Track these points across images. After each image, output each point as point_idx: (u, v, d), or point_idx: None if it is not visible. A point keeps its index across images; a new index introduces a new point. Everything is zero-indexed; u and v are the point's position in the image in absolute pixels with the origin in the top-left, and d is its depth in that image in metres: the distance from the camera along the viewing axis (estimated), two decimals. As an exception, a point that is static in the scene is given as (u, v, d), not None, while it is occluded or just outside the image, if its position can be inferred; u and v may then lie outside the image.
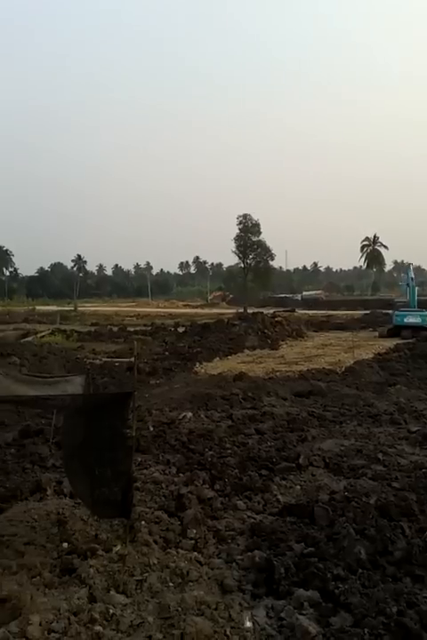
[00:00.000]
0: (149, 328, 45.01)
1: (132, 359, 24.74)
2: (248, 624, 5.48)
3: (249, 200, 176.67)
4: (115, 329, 44.94)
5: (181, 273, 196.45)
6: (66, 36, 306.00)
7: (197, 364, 25.87)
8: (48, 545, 7.06)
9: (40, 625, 5.28)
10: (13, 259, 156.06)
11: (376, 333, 40.47)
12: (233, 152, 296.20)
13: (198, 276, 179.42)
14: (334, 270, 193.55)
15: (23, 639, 5.12)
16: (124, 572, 6.23)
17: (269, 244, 77.74)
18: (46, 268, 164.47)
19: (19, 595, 5.77)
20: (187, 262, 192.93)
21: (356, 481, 9.45)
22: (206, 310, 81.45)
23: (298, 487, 9.47)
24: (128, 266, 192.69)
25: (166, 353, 30.01)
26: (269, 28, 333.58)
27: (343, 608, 5.63)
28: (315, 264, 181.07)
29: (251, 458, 10.81)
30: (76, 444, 7.32)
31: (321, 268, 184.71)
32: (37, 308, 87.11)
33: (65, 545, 7.04)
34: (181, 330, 41.39)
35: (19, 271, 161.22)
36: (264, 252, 77.00)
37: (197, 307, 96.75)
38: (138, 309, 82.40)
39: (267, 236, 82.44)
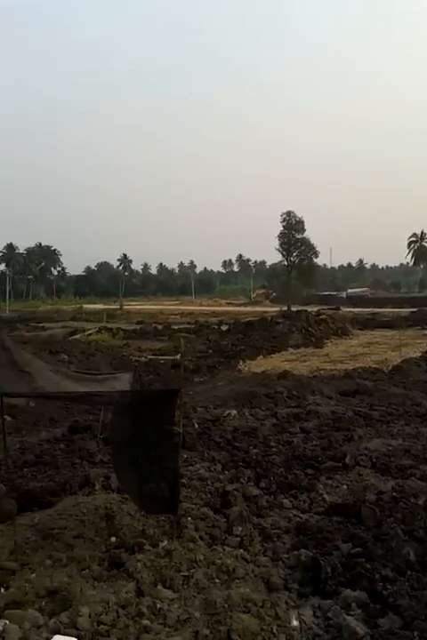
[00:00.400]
0: (193, 326, 45.33)
1: (177, 357, 24.98)
2: (295, 623, 5.46)
3: (293, 197, 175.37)
4: (159, 327, 45.41)
5: (224, 271, 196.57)
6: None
7: (241, 362, 25.89)
8: (96, 539, 7.19)
9: (89, 617, 5.39)
10: (61, 258, 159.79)
11: (425, 331, 39.58)
12: (276, 148, 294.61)
13: (241, 274, 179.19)
14: (380, 267, 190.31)
15: (74, 630, 5.22)
16: (170, 568, 6.30)
17: (313, 241, 76.98)
18: (93, 268, 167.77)
19: (69, 587, 5.92)
20: (230, 260, 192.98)
21: (404, 481, 9.28)
22: (249, 308, 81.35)
23: (344, 487, 9.37)
24: (172, 265, 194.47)
25: (210, 351, 30.14)
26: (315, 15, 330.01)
27: (392, 610, 5.54)
28: (360, 261, 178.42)
29: (296, 456, 10.76)
30: (123, 440, 7.42)
31: (367, 265, 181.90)
32: (84, 306, 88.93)
33: (113, 539, 7.17)
34: (224, 328, 41.49)
35: (66, 271, 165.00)
36: (308, 249, 76.23)
37: (240, 305, 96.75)
38: (182, 308, 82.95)
39: (311, 233, 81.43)
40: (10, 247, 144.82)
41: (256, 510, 8.31)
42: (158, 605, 5.63)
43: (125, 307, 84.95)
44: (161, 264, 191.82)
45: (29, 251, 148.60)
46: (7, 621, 5.34)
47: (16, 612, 5.51)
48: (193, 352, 28.51)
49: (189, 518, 7.60)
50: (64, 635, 5.14)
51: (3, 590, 5.96)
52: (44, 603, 5.80)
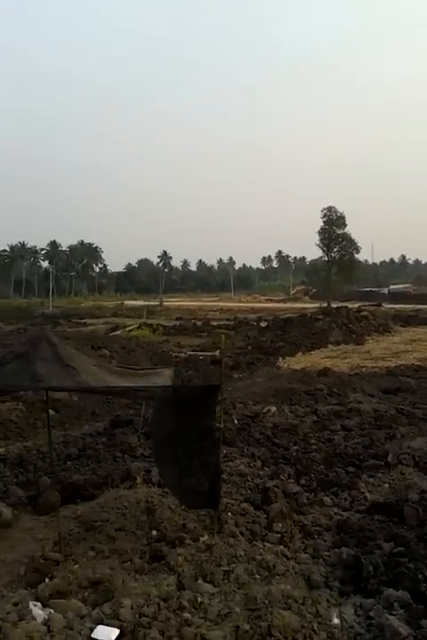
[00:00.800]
0: (232, 322, 45.35)
1: (216, 353, 25.02)
2: (336, 621, 5.43)
3: (334, 192, 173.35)
4: (198, 323, 45.60)
5: (263, 267, 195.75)
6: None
7: (280, 359, 25.74)
8: (138, 532, 7.29)
9: (131, 608, 5.47)
10: (103, 255, 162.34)
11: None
12: (316, 143, 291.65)
13: (281, 270, 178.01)
14: (423, 263, 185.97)
15: (116, 621, 5.31)
16: (211, 562, 6.34)
17: (354, 236, 75.75)
18: (134, 265, 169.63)
19: (111, 578, 6.04)
20: (269, 257, 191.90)
21: (448, 481, 9.10)
22: (289, 305, 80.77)
23: (386, 485, 9.24)
24: (211, 261, 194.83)
25: (249, 347, 30.10)
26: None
27: (436, 611, 5.45)
28: (403, 257, 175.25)
29: (337, 454, 10.67)
30: (165, 434, 7.49)
31: (409, 261, 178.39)
32: (125, 302, 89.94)
33: (154, 532, 7.26)
34: (263, 324, 41.34)
35: (108, 267, 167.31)
36: (349, 244, 75.07)
37: (279, 301, 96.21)
38: (221, 304, 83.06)
39: (352, 228, 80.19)
40: (53, 245, 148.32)
41: (296, 507, 8.28)
42: (199, 599, 5.67)
43: (165, 303, 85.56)
44: (200, 261, 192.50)
45: (72, 248, 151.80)
46: (52, 610, 5.49)
47: (60, 601, 5.65)
48: (232, 348, 28.54)
49: (230, 514, 7.64)
50: (107, 625, 5.24)
51: (47, 580, 6.10)
52: (87, 593, 5.93)
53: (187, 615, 5.40)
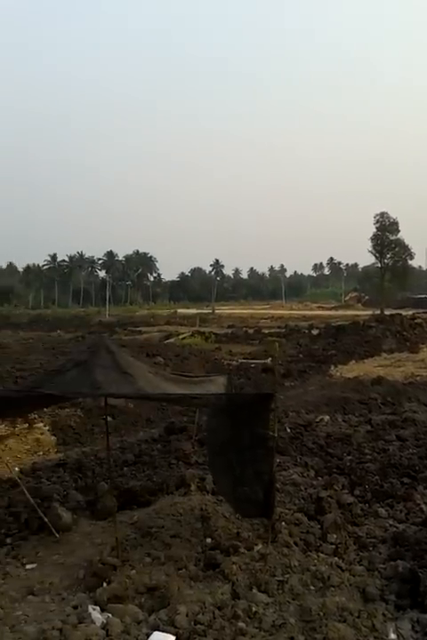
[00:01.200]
0: (283, 330, 45.10)
1: (267, 361, 24.94)
2: (393, 636, 5.37)
3: (387, 198, 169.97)
4: (250, 331, 45.56)
5: (314, 274, 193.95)
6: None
7: (332, 367, 25.46)
8: (192, 539, 7.36)
9: (187, 616, 5.54)
10: (157, 265, 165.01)
11: None
12: (367, 149, 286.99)
13: (332, 277, 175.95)
14: None
15: (172, 627, 5.40)
16: (265, 572, 6.35)
17: (407, 242, 74.29)
18: (187, 273, 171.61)
19: (167, 585, 6.13)
20: (321, 264, 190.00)
21: None
22: (341, 312, 79.74)
23: (443, 497, 9.03)
24: (263, 269, 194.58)
25: (300, 355, 29.90)
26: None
27: None
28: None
29: (392, 465, 10.48)
30: (218, 442, 7.56)
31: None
32: (178, 311, 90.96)
33: (208, 540, 7.31)
34: (315, 332, 40.94)
35: (162, 276, 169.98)
36: (403, 250, 73.56)
37: (331, 308, 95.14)
38: (272, 311, 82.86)
39: (406, 234, 78.57)
40: (110, 254, 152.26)
41: (351, 518, 8.19)
42: (254, 609, 5.69)
43: (217, 311, 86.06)
44: (252, 268, 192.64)
45: (128, 258, 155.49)
46: (110, 615, 5.62)
47: (118, 606, 5.78)
48: (283, 356, 28.39)
49: (284, 523, 7.61)
50: (163, 631, 5.32)
51: (105, 585, 6.24)
52: (143, 599, 6.03)
53: (241, 624, 5.44)
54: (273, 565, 6.47)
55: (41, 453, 12.79)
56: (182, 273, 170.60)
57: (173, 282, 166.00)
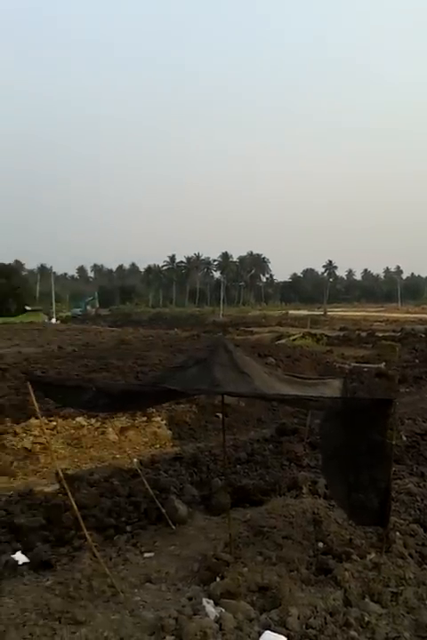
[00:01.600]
0: (398, 334, 43.43)
1: (381, 365, 24.08)
2: None
3: None
4: (363, 334, 44.31)
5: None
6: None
7: (452, 373, 24.11)
8: (304, 542, 7.33)
9: (298, 618, 5.53)
10: (270, 266, 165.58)
11: None
12: None
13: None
14: None
15: (283, 628, 5.41)
16: (379, 582, 6.19)
17: None
18: (299, 274, 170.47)
19: (278, 585, 6.14)
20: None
21: None
22: (461, 316, 75.26)
23: None
24: (378, 270, 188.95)
25: (416, 360, 28.63)
26: None
27: None
28: None
29: None
30: (334, 446, 7.47)
31: None
32: (290, 312, 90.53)
33: (320, 544, 7.25)
34: (432, 336, 39.11)
35: (274, 277, 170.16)
36: None
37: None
38: (386, 314, 79.85)
39: None
40: (225, 256, 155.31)
41: None
42: (366, 618, 5.58)
43: (329, 313, 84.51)
44: (366, 270, 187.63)
45: (241, 259, 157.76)
46: (223, 609, 5.73)
47: (230, 602, 5.87)
48: (398, 361, 27.36)
49: (398, 533, 7.36)
50: (274, 632, 5.35)
51: (218, 579, 6.38)
52: (255, 597, 6.09)
53: (353, 633, 5.36)
54: (387, 576, 6.29)
55: (158, 446, 13.30)
56: (294, 274, 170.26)
57: (284, 283, 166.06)
